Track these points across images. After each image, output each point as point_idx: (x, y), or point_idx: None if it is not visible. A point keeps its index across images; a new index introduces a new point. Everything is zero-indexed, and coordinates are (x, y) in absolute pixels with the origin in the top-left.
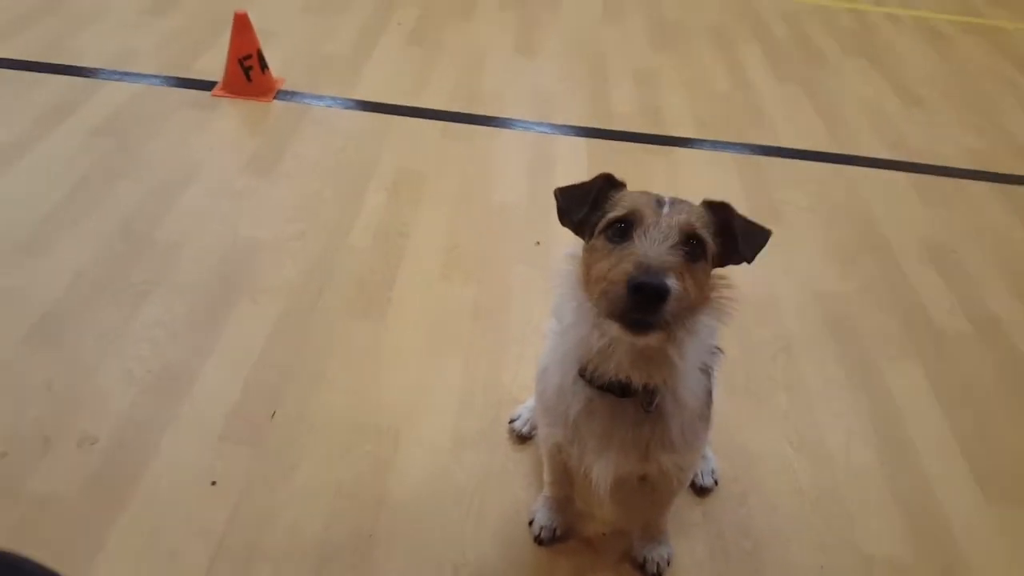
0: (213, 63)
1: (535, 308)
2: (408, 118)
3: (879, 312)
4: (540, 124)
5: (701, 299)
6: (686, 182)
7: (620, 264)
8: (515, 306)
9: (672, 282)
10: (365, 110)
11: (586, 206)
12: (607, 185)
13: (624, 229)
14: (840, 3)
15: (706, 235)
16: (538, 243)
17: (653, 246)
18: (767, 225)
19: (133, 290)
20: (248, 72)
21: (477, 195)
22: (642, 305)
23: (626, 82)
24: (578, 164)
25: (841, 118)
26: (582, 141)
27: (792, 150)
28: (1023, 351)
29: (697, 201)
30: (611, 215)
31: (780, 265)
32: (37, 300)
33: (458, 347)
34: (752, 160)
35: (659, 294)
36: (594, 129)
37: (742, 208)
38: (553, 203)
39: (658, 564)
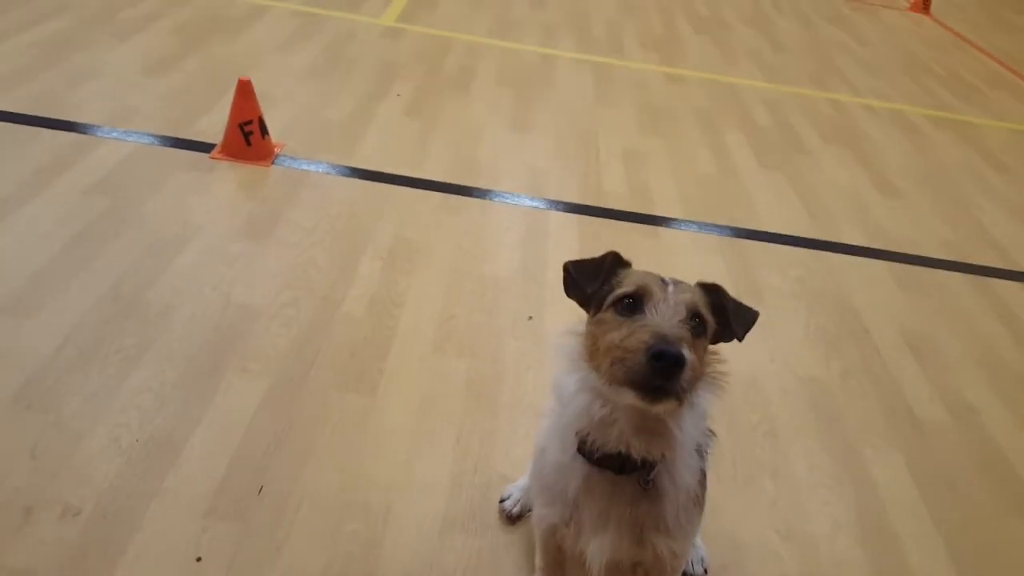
0: (212, 125)
1: (528, 384)
2: (404, 188)
3: (861, 399)
4: (533, 199)
5: (701, 372)
6: (672, 260)
7: (635, 334)
8: (508, 381)
9: (687, 352)
10: (362, 178)
11: (598, 281)
12: (616, 262)
13: (634, 304)
14: (821, 93)
15: (707, 313)
16: (530, 318)
17: (666, 319)
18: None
19: (123, 354)
20: (248, 137)
21: (471, 267)
22: (661, 372)
23: (616, 162)
24: (569, 239)
25: (822, 205)
26: (573, 217)
27: (775, 234)
28: (999, 443)
29: (691, 282)
30: (621, 291)
31: (764, 349)
32: (23, 362)
33: (450, 423)
34: (736, 243)
35: (678, 362)
36: (585, 206)
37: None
38: (546, 278)
39: None
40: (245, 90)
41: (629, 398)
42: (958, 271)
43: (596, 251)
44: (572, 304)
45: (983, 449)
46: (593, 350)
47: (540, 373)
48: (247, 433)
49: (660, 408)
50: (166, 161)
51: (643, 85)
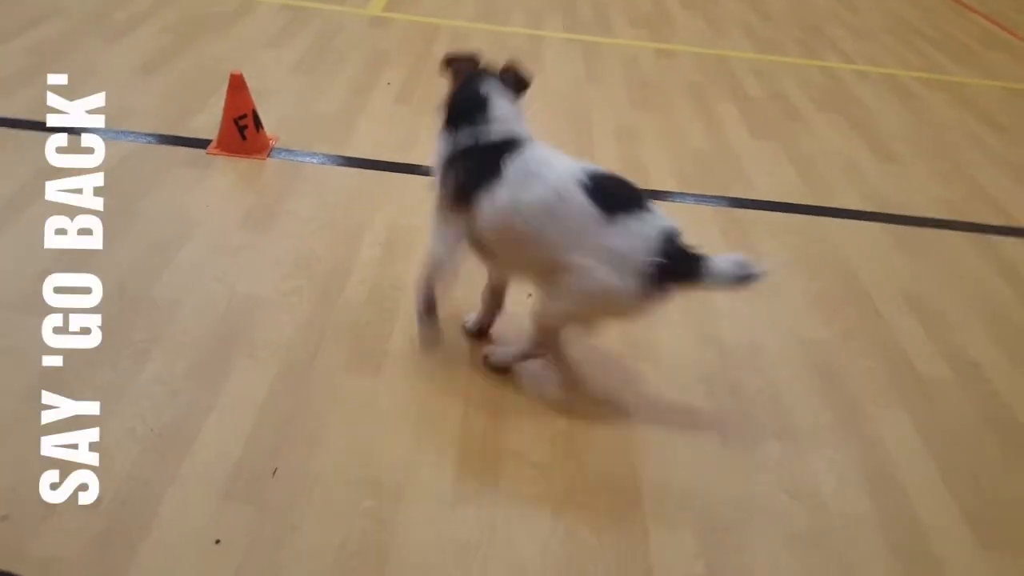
0: (208, 121)
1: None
2: (399, 174)
3: (864, 359)
4: None
5: None
6: None
7: None
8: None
9: None
10: (356, 167)
11: None
12: None
13: None
14: (811, 61)
15: None
16: (530, 295)
17: None
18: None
19: (132, 348)
20: (243, 131)
21: None
22: None
23: (610, 139)
24: None
25: (817, 171)
26: None
27: (771, 203)
28: (1004, 397)
29: None
30: None
31: (765, 315)
32: (36, 359)
33: (456, 398)
34: (733, 212)
35: None
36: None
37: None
38: None
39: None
40: (238, 84)
41: None
42: (957, 230)
43: None
44: None
45: (988, 403)
46: None
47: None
48: (258, 418)
49: None
50: (163, 159)
51: (633, 61)
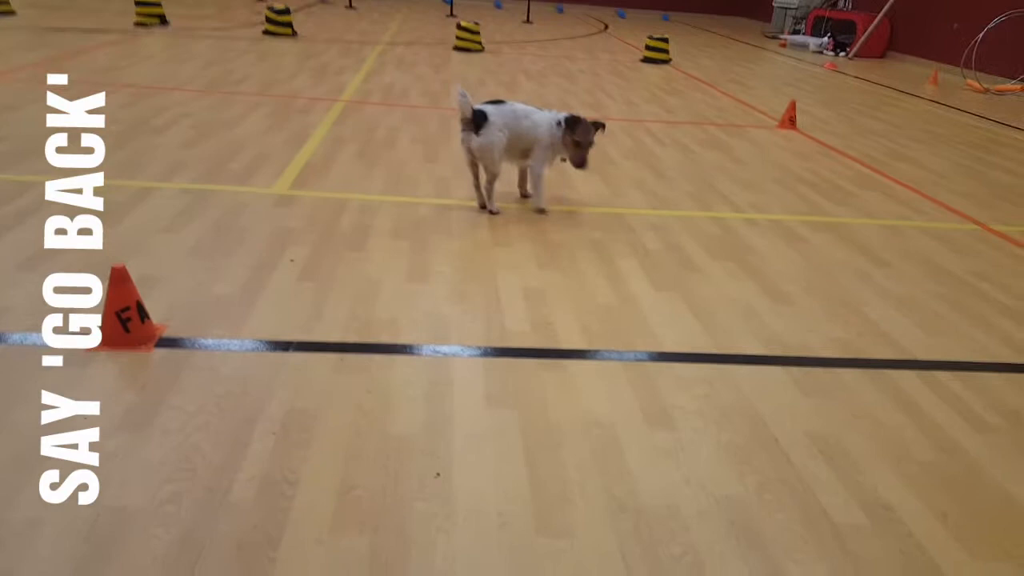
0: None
1: (438, 553)
2: (298, 353)
3: (780, 512)
4: (436, 347)
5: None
6: (580, 393)
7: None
8: (415, 553)
9: (587, 160)
10: (252, 350)
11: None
12: (576, 125)
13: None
14: (703, 213)
15: (592, 139)
16: (438, 475)
17: (584, 151)
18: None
19: None
20: (126, 324)
21: (373, 428)
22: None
23: (517, 300)
24: (475, 383)
25: (716, 319)
26: (478, 361)
27: (676, 354)
28: (918, 538)
29: None
30: (572, 140)
31: (678, 473)
32: None
33: None
34: (640, 367)
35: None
36: (489, 348)
37: (635, 417)
38: (453, 430)
39: None
40: (119, 277)
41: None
42: (854, 367)
43: (502, 394)
44: (482, 453)
45: (903, 547)
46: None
47: (450, 538)
48: None
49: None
50: (37, 360)
51: (537, 223)
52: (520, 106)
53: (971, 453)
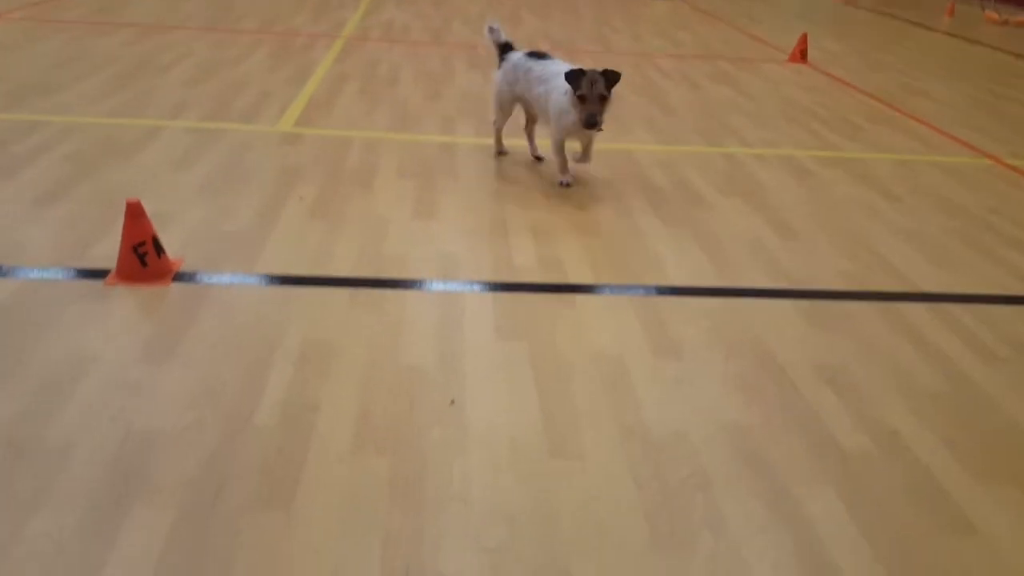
0: (107, 250)
1: (454, 473)
2: (313, 288)
3: (787, 438)
4: (446, 282)
5: (607, 110)
6: (588, 326)
7: (583, 113)
8: (432, 474)
9: (599, 116)
10: (268, 284)
11: (575, 84)
12: (579, 78)
13: (583, 99)
14: (712, 148)
15: (606, 91)
16: (453, 402)
17: (593, 105)
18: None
19: (17, 500)
20: (143, 258)
21: (388, 360)
22: (590, 124)
23: (525, 237)
24: (485, 317)
25: (725, 254)
26: (488, 296)
27: (684, 288)
28: (925, 463)
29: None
30: (579, 92)
31: (687, 401)
32: None
33: (375, 526)
34: (648, 301)
35: (595, 124)
36: (498, 283)
37: (643, 349)
38: (465, 361)
39: None
40: (135, 212)
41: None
42: (862, 300)
43: (512, 327)
44: (494, 382)
45: (910, 471)
46: (573, 107)
47: (466, 461)
48: (156, 571)
49: (594, 131)
50: (58, 294)
51: (546, 161)
52: (547, 68)
53: (979, 383)
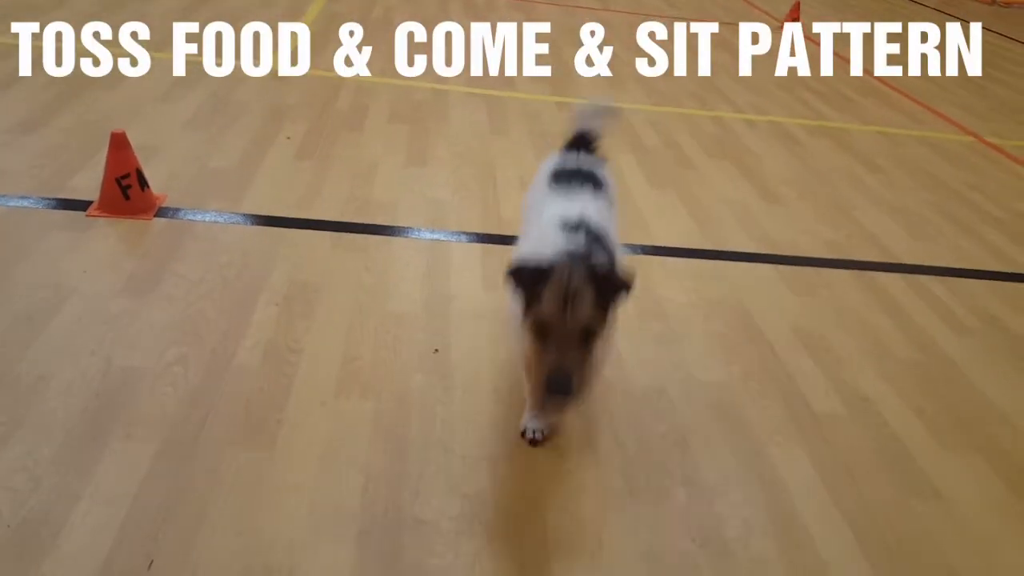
0: (89, 181)
1: (436, 420)
2: (299, 230)
3: (763, 399)
4: (433, 231)
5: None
6: None
7: (541, 366)
8: (415, 419)
9: (575, 377)
10: (253, 224)
11: (529, 292)
12: (539, 280)
13: (543, 334)
14: (702, 112)
15: (596, 315)
16: (436, 351)
17: (563, 349)
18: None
19: None
20: (126, 191)
21: (373, 305)
22: (556, 399)
23: (514, 189)
24: (472, 268)
25: (710, 216)
26: (476, 247)
27: (669, 248)
28: (894, 428)
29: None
30: (533, 317)
31: (666, 359)
32: None
33: (356, 469)
34: (633, 260)
35: (567, 391)
36: (486, 235)
37: (626, 306)
38: (450, 310)
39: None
40: (119, 143)
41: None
42: (842, 268)
43: (499, 278)
44: (479, 332)
45: (879, 436)
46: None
47: (449, 408)
48: (133, 504)
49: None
50: (37, 223)
51: (535, 115)
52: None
53: (950, 354)
